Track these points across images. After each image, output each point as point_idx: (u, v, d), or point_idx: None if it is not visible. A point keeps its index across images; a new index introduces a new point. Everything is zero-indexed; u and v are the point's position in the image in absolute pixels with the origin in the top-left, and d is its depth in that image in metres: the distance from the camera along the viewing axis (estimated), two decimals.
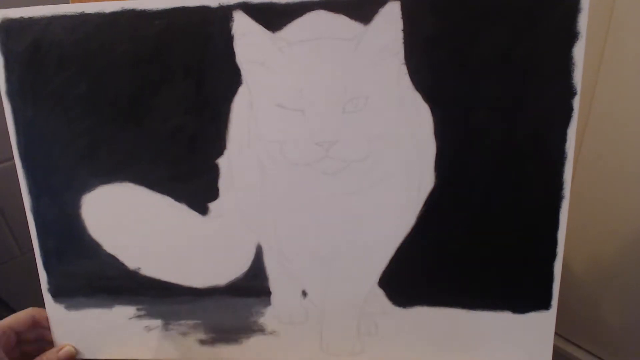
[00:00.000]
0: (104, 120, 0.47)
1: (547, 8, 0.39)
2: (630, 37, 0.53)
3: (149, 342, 0.52)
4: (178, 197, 0.48)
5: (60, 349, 0.52)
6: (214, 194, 0.47)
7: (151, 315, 0.51)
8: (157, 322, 0.52)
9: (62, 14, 0.45)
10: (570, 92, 0.41)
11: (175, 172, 0.47)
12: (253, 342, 0.51)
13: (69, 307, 0.52)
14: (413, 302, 0.48)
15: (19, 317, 0.51)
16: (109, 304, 0.52)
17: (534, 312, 0.46)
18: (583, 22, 0.39)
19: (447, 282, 0.47)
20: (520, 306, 0.46)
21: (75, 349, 0.52)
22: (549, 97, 0.41)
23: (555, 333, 0.46)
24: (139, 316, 0.51)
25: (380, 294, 0.48)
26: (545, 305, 0.45)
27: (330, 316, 0.49)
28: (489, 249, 0.45)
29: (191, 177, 0.47)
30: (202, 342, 0.51)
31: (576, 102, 0.41)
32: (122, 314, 0.52)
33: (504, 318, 0.46)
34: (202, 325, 0.51)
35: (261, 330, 0.50)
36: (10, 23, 0.45)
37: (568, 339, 0.67)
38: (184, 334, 0.51)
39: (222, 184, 0.47)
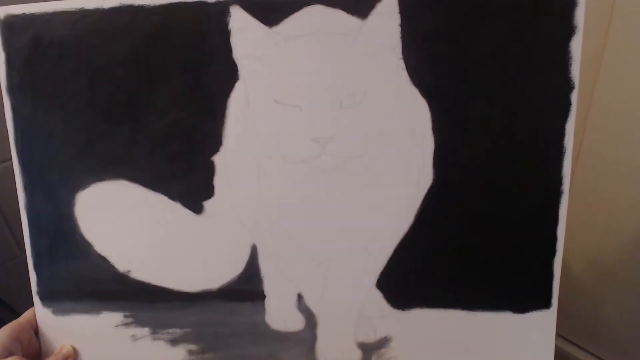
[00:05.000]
0: (101, 116, 0.46)
1: (545, 2, 0.40)
2: (631, 32, 0.53)
3: (135, 353, 0.50)
4: (173, 195, 0.47)
5: (60, 352, 0.50)
6: (209, 192, 0.46)
7: (139, 323, 0.50)
8: (145, 331, 0.50)
9: (62, 9, 0.45)
10: (569, 87, 0.41)
11: (171, 169, 0.46)
12: (246, 350, 0.49)
13: (56, 311, 0.50)
14: (412, 304, 0.47)
15: (31, 313, 0.51)
16: (96, 310, 0.50)
17: (535, 311, 0.45)
18: (580, 16, 0.39)
19: (445, 281, 0.46)
20: (521, 306, 0.45)
21: (73, 348, 0.51)
22: (547, 91, 0.41)
23: (555, 333, 0.45)
24: (125, 324, 0.50)
25: (378, 296, 0.47)
26: (545, 304, 0.45)
27: (326, 321, 0.48)
28: (488, 246, 0.45)
29: (186, 175, 0.46)
30: (191, 352, 0.50)
31: (574, 97, 0.41)
32: (109, 322, 0.50)
33: (505, 318, 0.46)
34: (192, 333, 0.49)
35: (255, 337, 0.49)
36: (13, 19, 0.45)
37: (568, 339, 0.66)
38: (173, 343, 0.50)
39: (218, 181, 0.46)
